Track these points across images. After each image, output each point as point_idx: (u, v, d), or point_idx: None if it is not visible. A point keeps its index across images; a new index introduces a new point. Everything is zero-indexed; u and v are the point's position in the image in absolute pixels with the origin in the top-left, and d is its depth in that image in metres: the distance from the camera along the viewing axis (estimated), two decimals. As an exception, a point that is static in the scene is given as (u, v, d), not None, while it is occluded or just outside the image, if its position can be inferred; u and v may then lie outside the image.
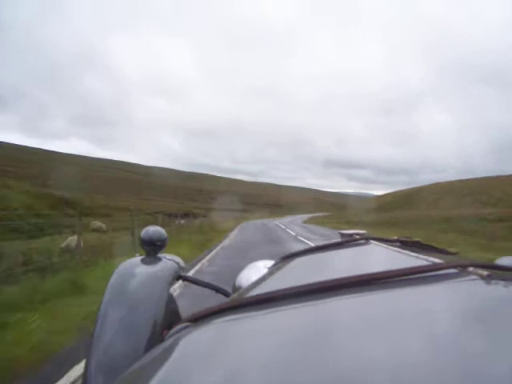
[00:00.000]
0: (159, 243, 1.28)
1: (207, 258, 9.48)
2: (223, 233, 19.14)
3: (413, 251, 0.87)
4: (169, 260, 1.21)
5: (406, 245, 1.05)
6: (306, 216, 58.79)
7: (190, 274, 6.30)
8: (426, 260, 0.74)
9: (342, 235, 1.34)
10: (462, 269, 0.59)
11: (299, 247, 5.99)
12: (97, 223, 15.09)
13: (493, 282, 0.53)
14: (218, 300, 0.88)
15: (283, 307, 0.53)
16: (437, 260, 0.71)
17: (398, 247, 0.98)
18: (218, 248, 12.04)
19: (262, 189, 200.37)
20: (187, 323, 0.56)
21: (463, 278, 0.57)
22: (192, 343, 0.49)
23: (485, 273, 0.55)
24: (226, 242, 14.73)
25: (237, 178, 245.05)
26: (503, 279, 0.55)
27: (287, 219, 44.86)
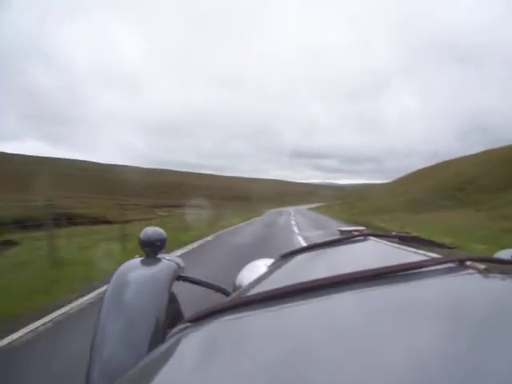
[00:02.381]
0: (158, 243, 1.29)
1: None
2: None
3: (411, 246, 0.88)
4: (168, 260, 1.23)
5: (405, 240, 1.06)
6: (311, 213, 38.78)
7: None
8: (425, 255, 0.74)
9: (341, 232, 1.33)
10: (460, 263, 0.60)
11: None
12: None
13: (490, 275, 0.54)
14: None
15: (284, 305, 0.53)
16: (435, 255, 0.71)
17: (397, 243, 0.99)
18: None
19: (228, 182, 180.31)
20: (188, 323, 0.56)
21: (461, 272, 0.57)
22: (193, 343, 0.49)
23: (482, 267, 0.56)
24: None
25: (201, 172, 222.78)
26: (500, 273, 0.56)
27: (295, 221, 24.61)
